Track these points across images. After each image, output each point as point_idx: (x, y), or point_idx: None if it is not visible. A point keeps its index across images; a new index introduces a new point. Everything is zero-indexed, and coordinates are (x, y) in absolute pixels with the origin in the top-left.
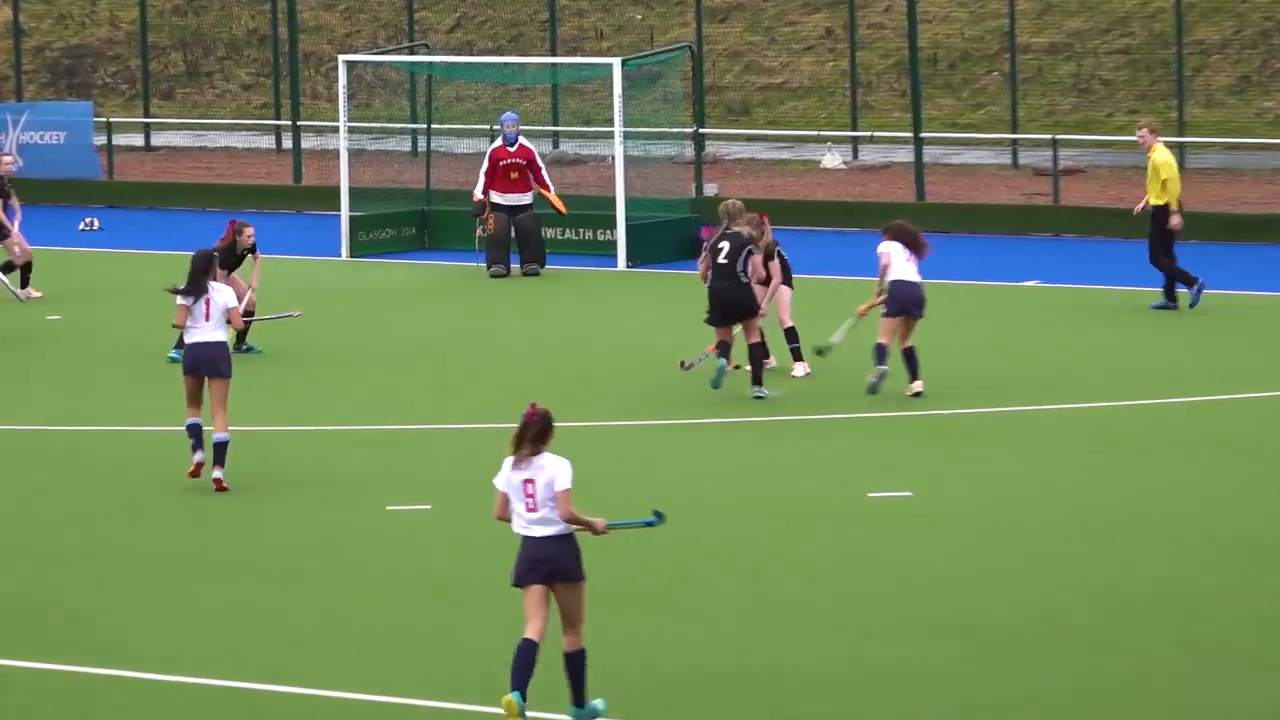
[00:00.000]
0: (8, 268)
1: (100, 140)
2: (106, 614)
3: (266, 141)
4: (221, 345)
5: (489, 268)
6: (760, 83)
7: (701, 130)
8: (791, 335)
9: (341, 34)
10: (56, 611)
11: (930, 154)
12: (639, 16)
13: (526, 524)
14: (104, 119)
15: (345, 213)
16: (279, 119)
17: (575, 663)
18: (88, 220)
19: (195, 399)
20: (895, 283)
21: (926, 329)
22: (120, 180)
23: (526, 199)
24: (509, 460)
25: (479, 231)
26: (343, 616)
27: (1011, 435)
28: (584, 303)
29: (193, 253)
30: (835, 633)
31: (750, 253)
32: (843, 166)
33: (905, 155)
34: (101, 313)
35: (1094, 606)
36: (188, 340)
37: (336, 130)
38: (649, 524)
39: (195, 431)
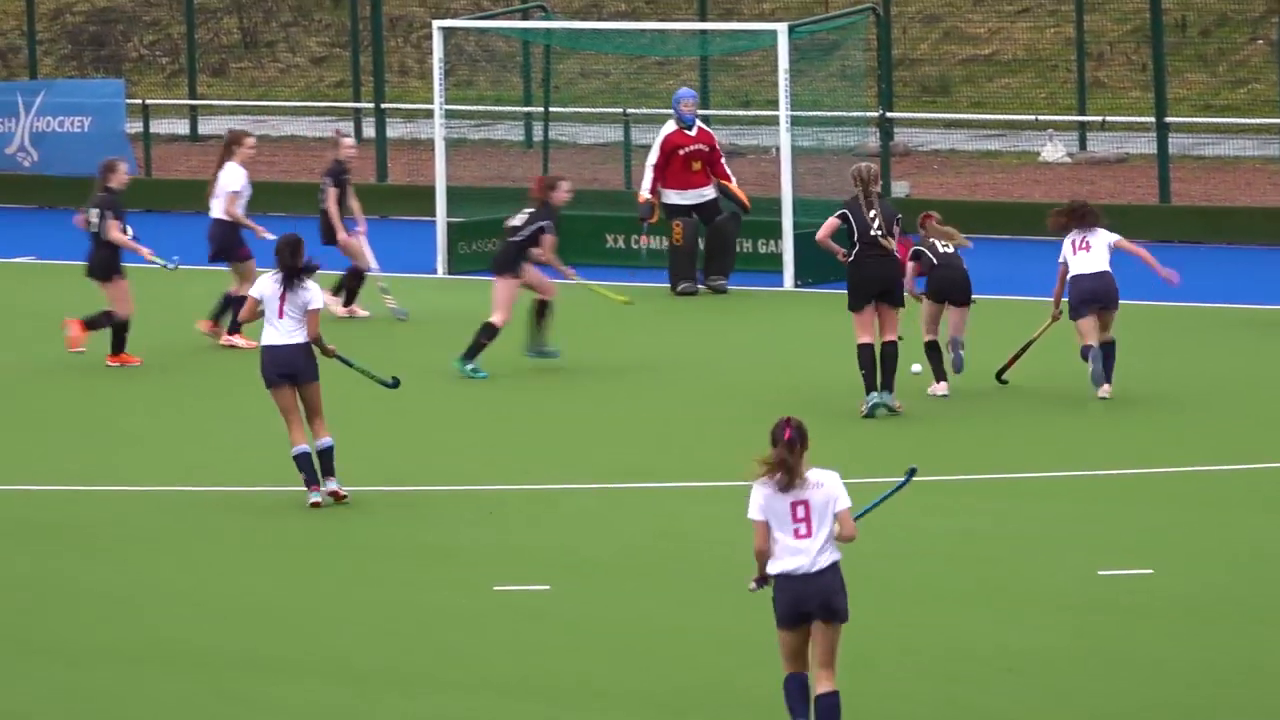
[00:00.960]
0: (351, 281)
1: (134, 127)
2: None
3: (343, 129)
4: (301, 348)
5: (674, 285)
6: (963, 54)
7: (889, 114)
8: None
9: None
10: None
11: (1177, 144)
12: None
13: (795, 553)
14: (139, 101)
15: (442, 218)
16: (358, 101)
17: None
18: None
19: (291, 412)
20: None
21: (1159, 364)
22: (160, 178)
23: (710, 194)
24: (764, 483)
25: (645, 240)
26: None
27: (1276, 496)
28: (744, 331)
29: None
30: None
31: (899, 221)
32: (1067, 159)
33: (1145, 145)
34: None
35: None
36: (262, 343)
37: (430, 115)
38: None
39: (305, 463)
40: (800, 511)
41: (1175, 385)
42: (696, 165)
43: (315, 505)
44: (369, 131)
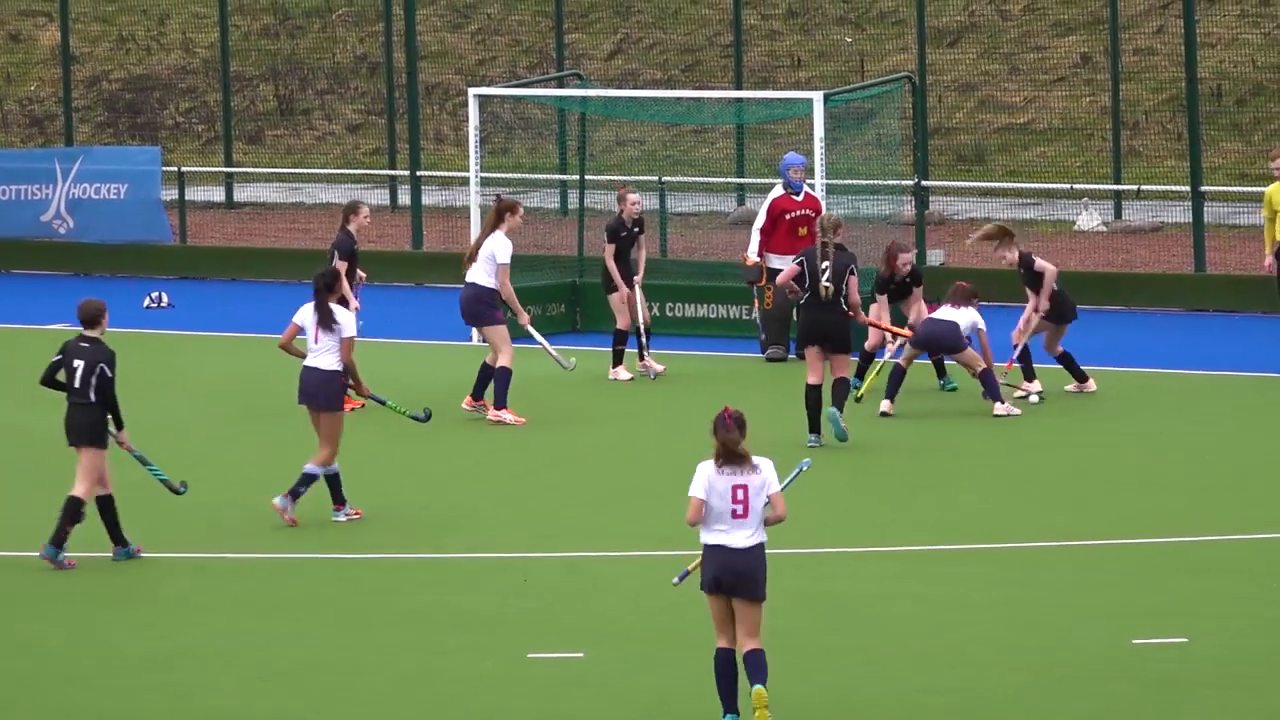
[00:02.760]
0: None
1: (170, 195)
2: None
3: (379, 196)
4: (325, 375)
5: (765, 349)
6: (999, 123)
7: (925, 182)
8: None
9: (473, 61)
10: None
11: (1213, 213)
12: (848, 40)
13: (729, 529)
14: (174, 168)
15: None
16: (394, 168)
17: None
18: (154, 295)
19: (317, 430)
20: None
21: (1194, 430)
22: (195, 245)
23: None
24: (709, 465)
25: (758, 304)
26: None
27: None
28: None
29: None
30: None
31: (852, 272)
32: (1103, 228)
33: (1181, 214)
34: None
35: None
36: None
37: (466, 183)
38: (802, 470)
39: (308, 480)
40: (740, 494)
41: (1213, 454)
42: (803, 230)
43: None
44: (405, 199)
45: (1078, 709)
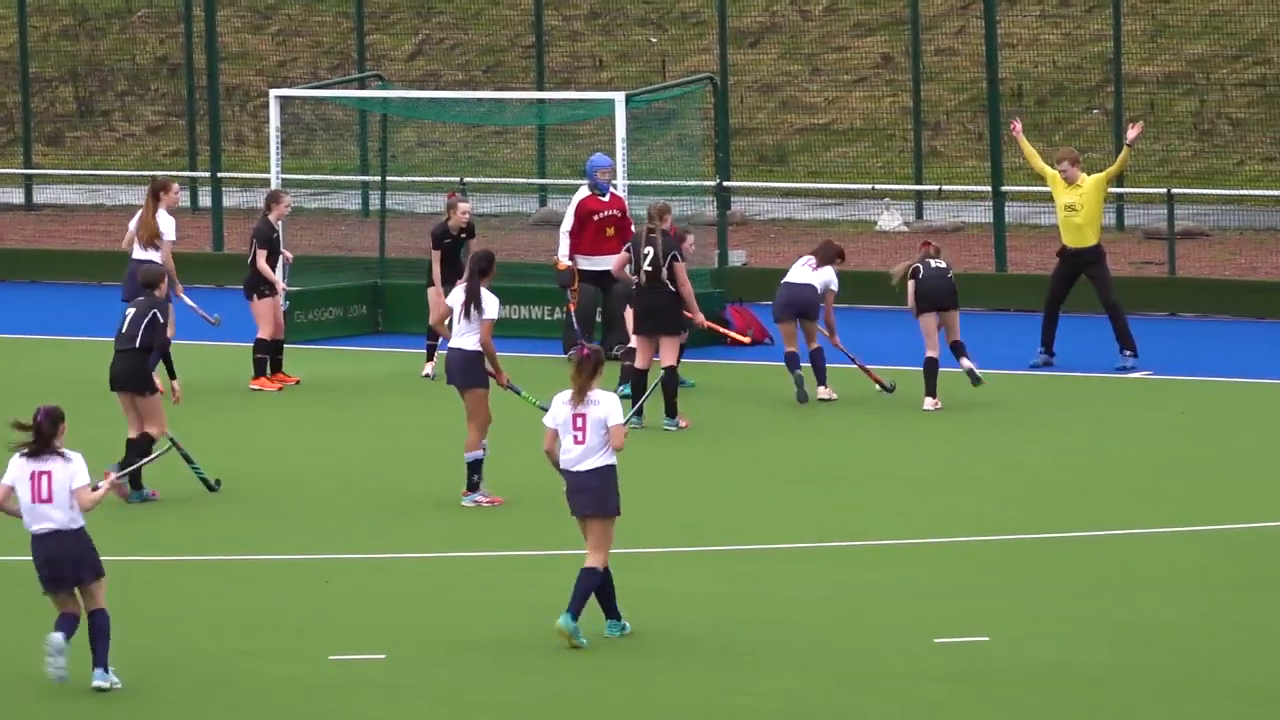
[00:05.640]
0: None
1: None
2: None
3: (180, 198)
4: (464, 355)
5: (568, 351)
6: (800, 123)
7: (726, 183)
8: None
9: (274, 63)
10: None
11: (1014, 212)
12: (653, 40)
13: (568, 453)
14: None
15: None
16: (194, 170)
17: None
18: None
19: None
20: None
21: (1005, 433)
22: None
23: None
24: (562, 396)
25: (571, 306)
26: None
27: (1109, 564)
28: None
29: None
30: None
31: (676, 259)
32: (904, 228)
33: (982, 214)
34: None
35: None
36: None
37: (267, 184)
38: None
39: (476, 467)
40: (579, 422)
41: (1011, 453)
42: (610, 231)
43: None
44: (205, 200)
45: (882, 709)
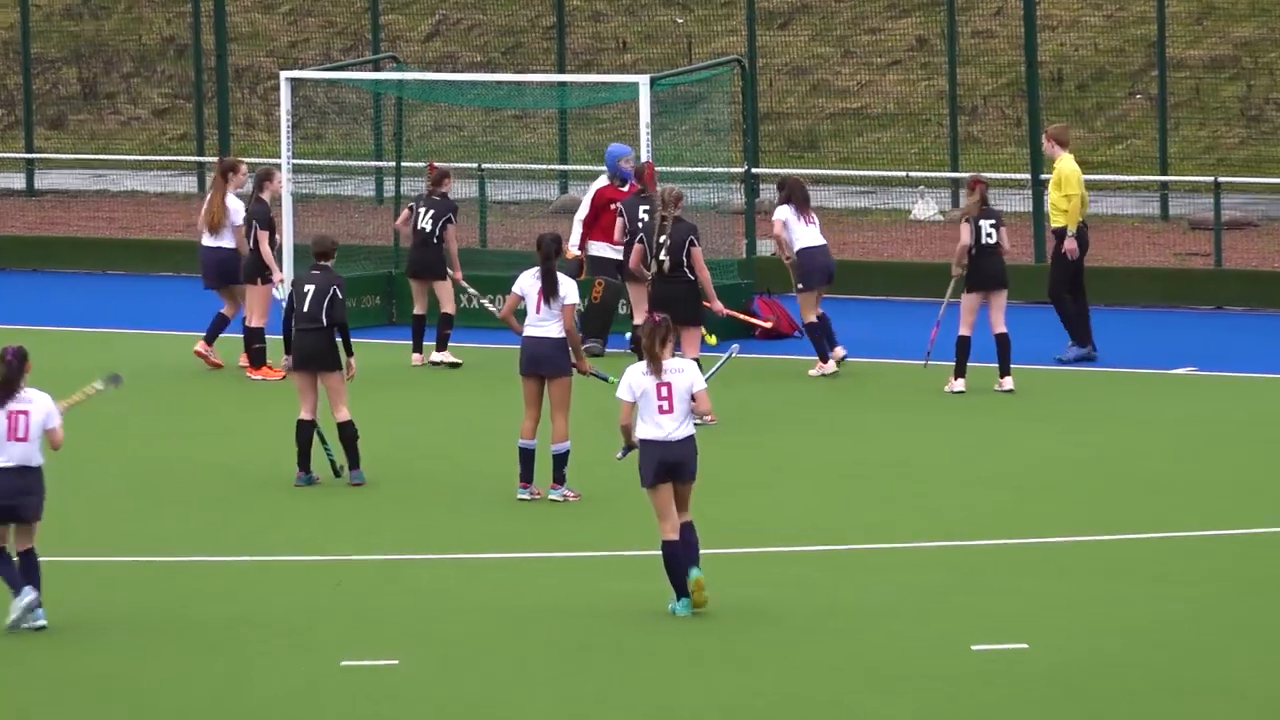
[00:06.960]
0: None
1: None
2: None
3: (186, 184)
4: (553, 342)
5: (587, 340)
6: (832, 108)
7: (755, 170)
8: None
9: (285, 43)
10: None
11: None
12: (678, 21)
13: (658, 425)
14: None
15: (288, 275)
16: (202, 154)
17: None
18: None
19: (531, 405)
20: (805, 251)
21: (1039, 433)
22: None
23: None
24: (639, 367)
25: (595, 296)
26: None
27: (1153, 568)
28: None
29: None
30: None
31: (693, 244)
32: (939, 217)
33: (1021, 203)
34: None
35: None
36: (524, 333)
37: (277, 170)
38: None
39: (525, 458)
40: (664, 391)
41: (1064, 452)
42: None
43: (521, 499)
44: None
45: (909, 713)
